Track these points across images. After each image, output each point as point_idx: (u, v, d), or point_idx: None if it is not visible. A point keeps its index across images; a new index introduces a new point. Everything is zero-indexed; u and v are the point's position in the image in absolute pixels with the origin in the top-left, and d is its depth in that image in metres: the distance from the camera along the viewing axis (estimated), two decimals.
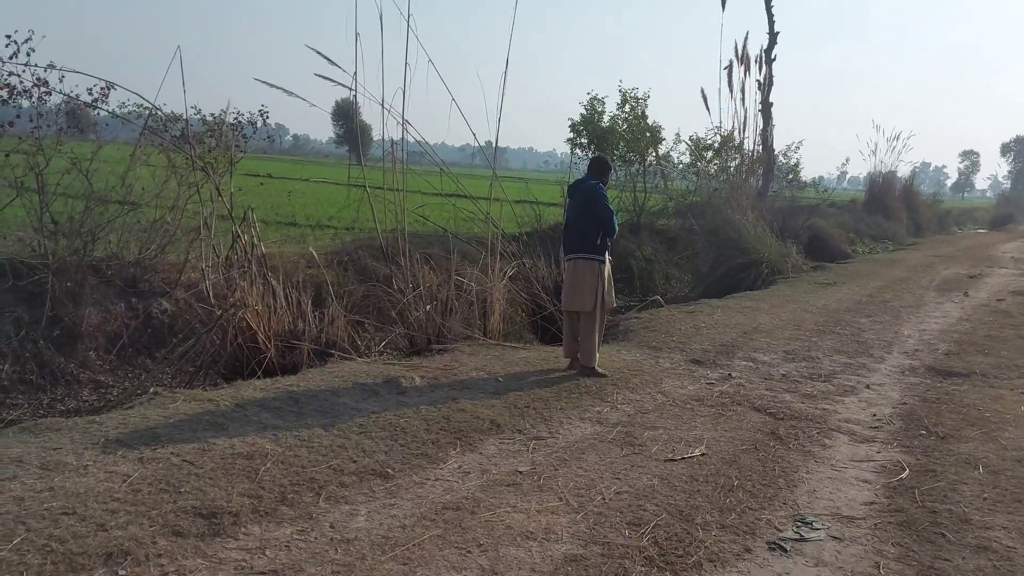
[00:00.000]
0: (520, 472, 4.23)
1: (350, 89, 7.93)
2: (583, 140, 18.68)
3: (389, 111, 8.11)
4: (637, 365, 7.01)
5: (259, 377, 5.49)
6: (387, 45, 7.94)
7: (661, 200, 19.58)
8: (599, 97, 18.71)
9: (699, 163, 19.71)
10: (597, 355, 6.54)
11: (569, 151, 19.15)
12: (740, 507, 4.01)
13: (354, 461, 4.05)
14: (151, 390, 4.73)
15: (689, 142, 19.99)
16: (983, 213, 50.47)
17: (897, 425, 5.66)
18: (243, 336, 5.79)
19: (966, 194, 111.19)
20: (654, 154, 19.51)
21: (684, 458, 4.66)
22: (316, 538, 3.27)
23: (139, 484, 3.51)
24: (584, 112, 18.65)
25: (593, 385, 6.17)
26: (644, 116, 18.84)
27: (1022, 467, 4.74)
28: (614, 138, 18.56)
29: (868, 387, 6.77)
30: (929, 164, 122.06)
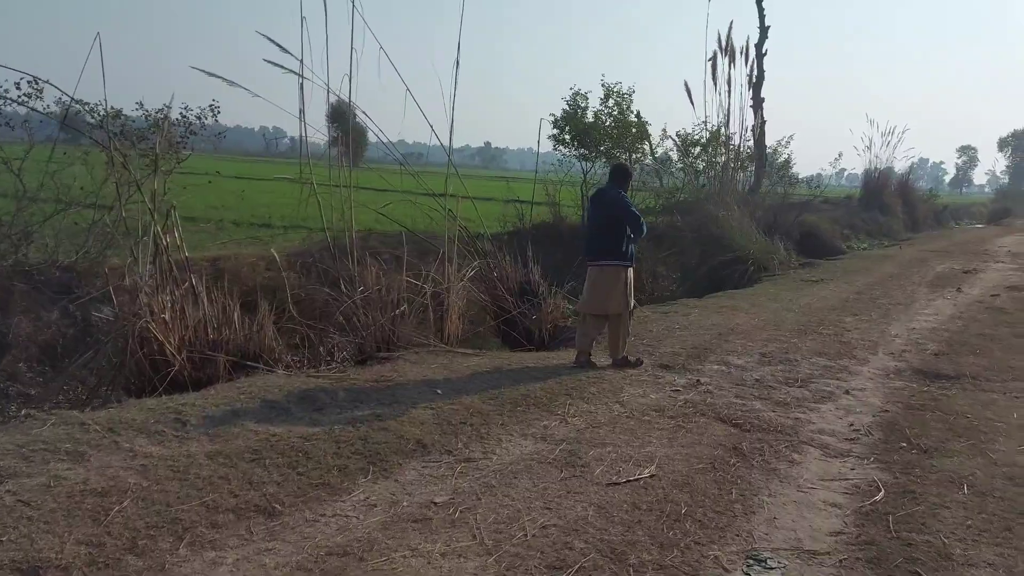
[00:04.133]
0: (435, 504, 3.68)
1: (298, 75, 7.50)
2: (566, 136, 18.12)
3: (339, 96, 7.68)
4: (598, 372, 6.46)
5: (160, 394, 4.94)
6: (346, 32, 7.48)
7: (649, 197, 19.02)
8: (582, 92, 18.12)
9: (685, 159, 19.14)
10: (624, 348, 6.81)
11: (552, 148, 18.60)
12: (685, 541, 3.45)
13: (235, 495, 3.50)
14: (23, 412, 4.18)
15: (676, 138, 19.41)
16: (980, 208, 49.89)
17: (876, 436, 5.11)
18: (148, 348, 5.24)
19: (964, 189, 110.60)
20: (641, 151, 18.96)
21: (629, 481, 4.11)
22: None
23: None
24: (567, 108, 18.08)
25: (543, 396, 5.61)
26: (629, 111, 18.28)
27: (1013, 486, 4.19)
28: (598, 134, 17.99)
29: (848, 392, 6.22)
30: (927, 160, 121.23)
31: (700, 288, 14.10)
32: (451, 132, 8.10)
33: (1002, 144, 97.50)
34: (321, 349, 7.46)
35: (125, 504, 3.26)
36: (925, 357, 7.46)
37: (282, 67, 7.46)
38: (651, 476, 4.20)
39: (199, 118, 9.19)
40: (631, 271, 6.70)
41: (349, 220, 7.50)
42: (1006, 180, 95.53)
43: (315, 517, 3.44)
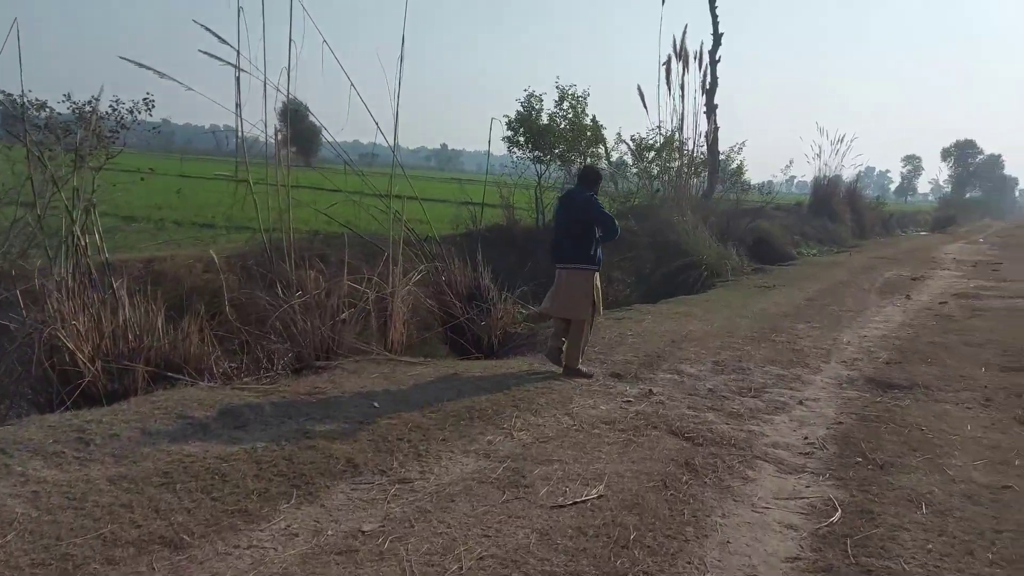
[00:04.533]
0: (363, 532, 3.36)
1: (234, 67, 7.20)
2: (520, 139, 17.90)
3: (279, 89, 7.36)
4: (547, 382, 6.20)
5: (68, 408, 4.52)
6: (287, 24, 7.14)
7: (604, 201, 18.87)
8: (536, 94, 17.93)
9: (639, 164, 19.05)
10: (582, 357, 6.63)
11: (507, 150, 18.37)
12: (633, 571, 3.20)
13: (137, 526, 3.13)
14: None
15: (631, 142, 19.31)
16: (925, 216, 51.20)
17: (831, 450, 4.94)
18: (58, 357, 4.81)
19: (909, 198, 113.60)
20: (596, 154, 18.81)
21: (576, 503, 3.85)
22: None
23: None
24: (521, 109, 17.86)
25: (489, 408, 5.33)
26: (584, 114, 18.14)
27: (972, 505, 4.04)
28: (553, 137, 17.81)
29: (801, 403, 6.07)
30: (874, 168, 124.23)
31: (655, 293, 13.99)
32: (396, 129, 7.77)
33: (945, 154, 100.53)
34: (261, 356, 7.07)
35: (9, 538, 2.88)
36: (877, 366, 7.38)
37: (219, 59, 7.14)
38: (599, 496, 3.95)
39: (131, 112, 8.69)
40: (598, 276, 6.53)
41: (287, 221, 7.13)
42: (948, 189, 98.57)
43: (227, 549, 3.10)
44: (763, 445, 5.01)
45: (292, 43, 7.18)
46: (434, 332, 8.03)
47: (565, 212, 6.62)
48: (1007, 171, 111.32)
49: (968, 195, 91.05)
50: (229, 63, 7.18)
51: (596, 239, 6.40)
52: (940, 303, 11.41)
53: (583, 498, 3.90)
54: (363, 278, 7.27)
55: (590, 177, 6.79)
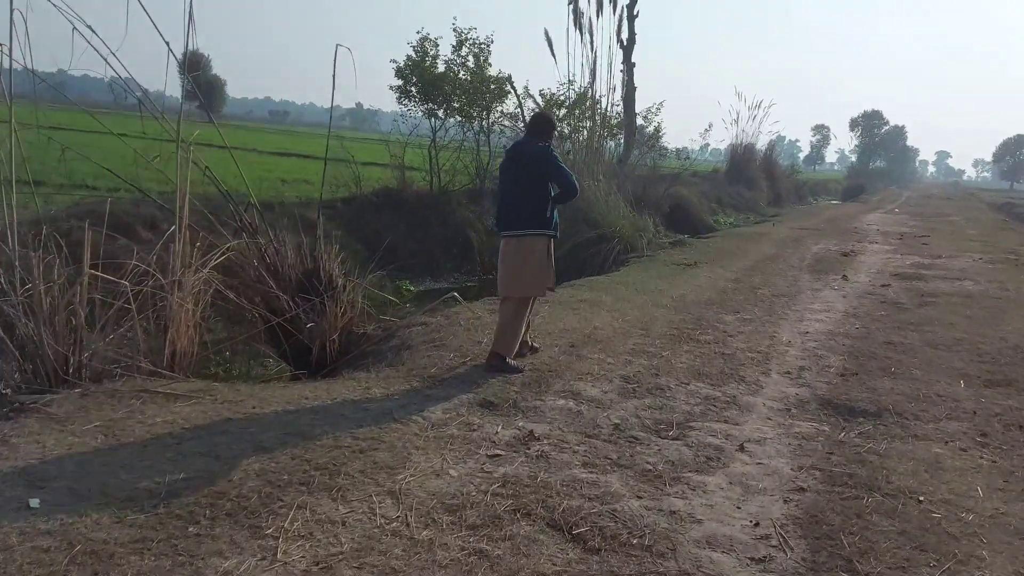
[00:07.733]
0: None
1: None
2: (412, 89, 15.64)
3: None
4: (379, 428, 4.17)
5: None
6: None
7: None
8: (431, 38, 15.66)
9: None
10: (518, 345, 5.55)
11: (397, 101, 16.05)
12: None
13: None
14: None
15: (539, 98, 17.23)
16: (835, 185, 51.49)
17: (798, 554, 3.13)
18: None
19: (817, 166, 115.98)
20: (500, 111, 16.71)
21: None
22: None
23: None
24: (413, 55, 15.56)
25: (259, 490, 3.27)
26: (488, 64, 16.00)
27: None
28: (451, 88, 15.61)
29: (742, 448, 4.27)
30: (784, 137, 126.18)
31: (560, 270, 12.16)
32: (167, 53, 5.50)
33: (853, 124, 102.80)
34: None
35: None
36: (830, 378, 5.68)
37: None
38: None
39: None
40: (552, 243, 5.56)
41: (5, 172, 4.86)
42: (854, 159, 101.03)
43: None
44: (693, 546, 3.15)
45: None
46: (232, 341, 5.85)
47: (514, 168, 5.54)
48: (909, 142, 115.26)
49: (872, 165, 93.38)
50: None
51: (551, 199, 5.44)
52: (882, 286, 9.91)
53: None
54: (129, 262, 5.05)
55: (542, 125, 5.69)
